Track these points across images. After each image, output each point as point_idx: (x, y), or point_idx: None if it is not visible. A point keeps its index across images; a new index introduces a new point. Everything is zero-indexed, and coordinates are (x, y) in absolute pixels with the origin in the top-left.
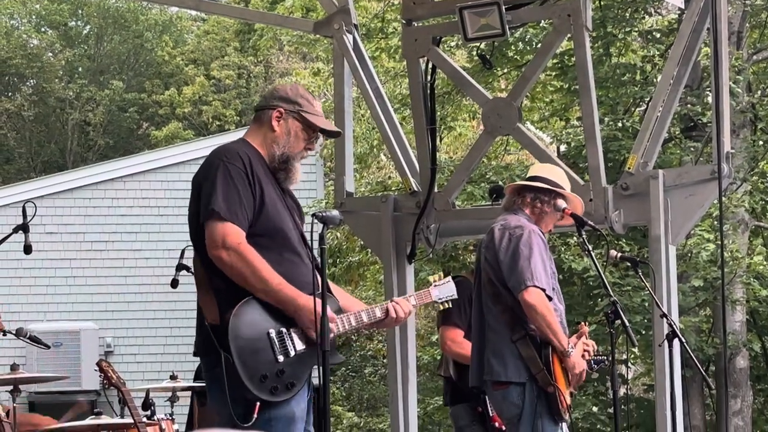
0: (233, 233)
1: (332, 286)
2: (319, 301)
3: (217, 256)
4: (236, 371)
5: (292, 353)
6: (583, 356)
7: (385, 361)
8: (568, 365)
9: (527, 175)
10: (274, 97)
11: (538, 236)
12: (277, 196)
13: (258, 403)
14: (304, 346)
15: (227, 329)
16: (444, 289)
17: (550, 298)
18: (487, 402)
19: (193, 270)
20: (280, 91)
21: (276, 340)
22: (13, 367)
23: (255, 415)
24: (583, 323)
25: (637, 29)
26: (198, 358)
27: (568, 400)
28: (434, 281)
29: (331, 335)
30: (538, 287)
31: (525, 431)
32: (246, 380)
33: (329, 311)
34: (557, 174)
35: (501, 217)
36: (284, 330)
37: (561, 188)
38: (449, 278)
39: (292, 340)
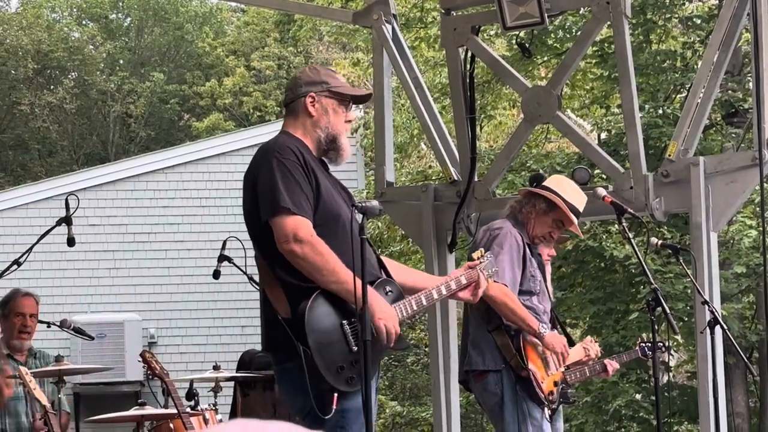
0: (304, 226)
1: (397, 265)
2: (360, 285)
3: (289, 250)
4: (314, 364)
5: (368, 339)
6: (587, 356)
7: (427, 350)
8: (545, 345)
9: None
10: (299, 85)
11: (513, 238)
12: (330, 183)
13: (336, 395)
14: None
15: (303, 322)
16: (488, 265)
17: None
18: None
19: (257, 267)
20: (303, 78)
21: (349, 330)
22: (58, 359)
23: (334, 407)
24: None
25: (676, 15)
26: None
27: (548, 387)
28: (477, 257)
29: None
30: (498, 282)
31: (510, 416)
32: (324, 372)
33: (381, 306)
34: (560, 183)
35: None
36: (355, 319)
37: (552, 192)
38: (489, 253)
39: None
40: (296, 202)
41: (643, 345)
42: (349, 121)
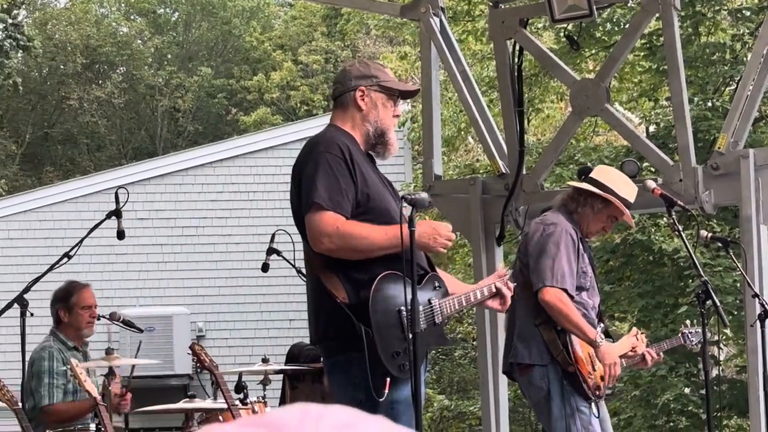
0: (330, 221)
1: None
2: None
3: (324, 250)
4: (374, 346)
5: (418, 331)
6: (634, 352)
7: (474, 343)
8: (599, 357)
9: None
10: (349, 78)
11: (569, 235)
12: (377, 177)
13: (388, 379)
14: (425, 325)
15: (367, 305)
16: (511, 277)
17: (572, 297)
18: None
19: (305, 259)
20: (353, 71)
21: (405, 317)
22: (108, 352)
23: (386, 390)
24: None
25: (726, 8)
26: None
27: (596, 381)
28: (504, 267)
29: (441, 318)
30: (556, 287)
31: (558, 410)
32: (381, 354)
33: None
34: (611, 176)
35: (546, 213)
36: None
37: (607, 190)
38: (508, 268)
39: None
40: (332, 198)
41: (686, 332)
42: (397, 116)
